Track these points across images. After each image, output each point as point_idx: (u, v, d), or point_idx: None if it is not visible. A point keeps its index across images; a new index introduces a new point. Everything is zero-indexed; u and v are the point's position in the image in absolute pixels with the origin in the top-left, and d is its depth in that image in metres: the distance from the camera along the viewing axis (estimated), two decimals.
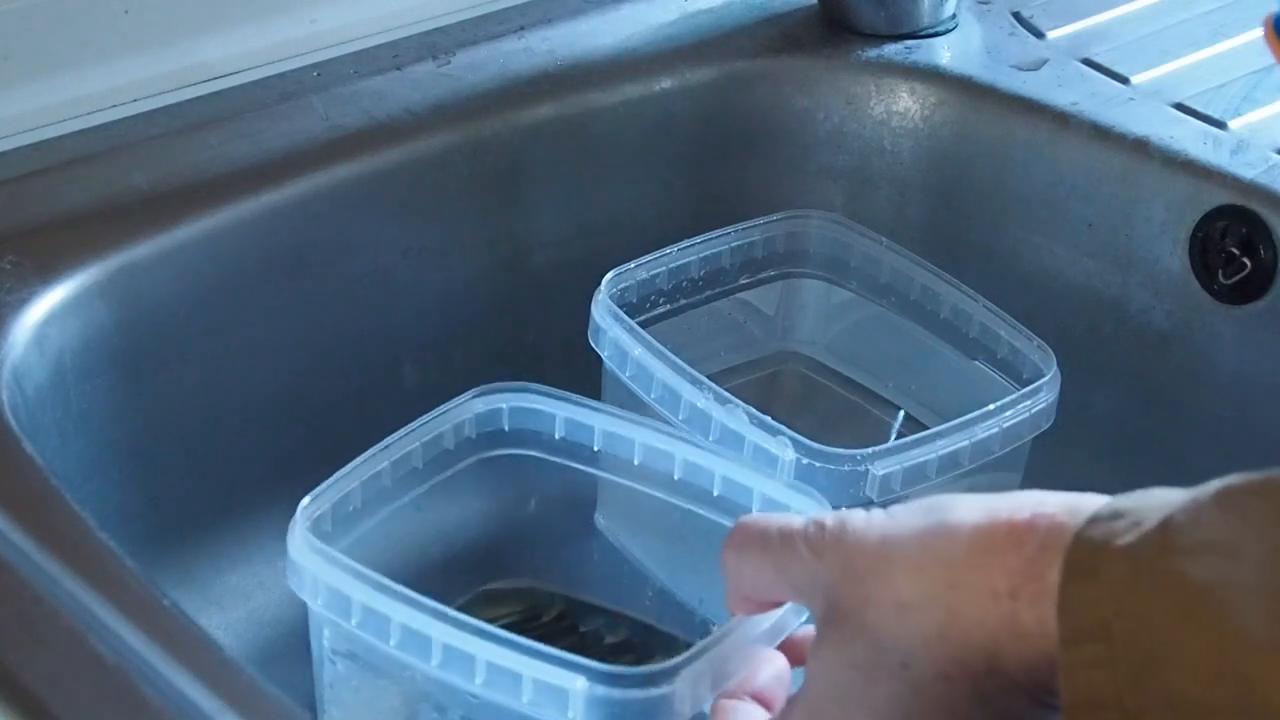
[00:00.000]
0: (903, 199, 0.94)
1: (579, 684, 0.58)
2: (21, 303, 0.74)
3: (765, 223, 0.86)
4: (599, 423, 0.73)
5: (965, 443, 0.76)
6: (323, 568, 0.63)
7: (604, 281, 0.80)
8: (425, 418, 0.71)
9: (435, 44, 0.92)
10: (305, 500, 0.66)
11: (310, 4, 0.90)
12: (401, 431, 0.71)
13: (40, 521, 0.63)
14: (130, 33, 0.85)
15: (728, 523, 0.64)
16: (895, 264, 0.85)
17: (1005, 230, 0.91)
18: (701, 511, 0.72)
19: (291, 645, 0.82)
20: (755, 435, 0.74)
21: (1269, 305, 0.83)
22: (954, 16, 0.96)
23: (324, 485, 0.68)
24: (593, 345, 0.79)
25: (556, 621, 0.78)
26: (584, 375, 0.80)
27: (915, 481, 0.76)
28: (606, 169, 0.91)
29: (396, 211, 0.85)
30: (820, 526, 0.54)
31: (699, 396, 0.75)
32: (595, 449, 0.73)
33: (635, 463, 0.72)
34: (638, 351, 0.77)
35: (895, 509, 0.53)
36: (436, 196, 0.86)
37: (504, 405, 0.73)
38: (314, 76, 0.89)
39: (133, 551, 0.64)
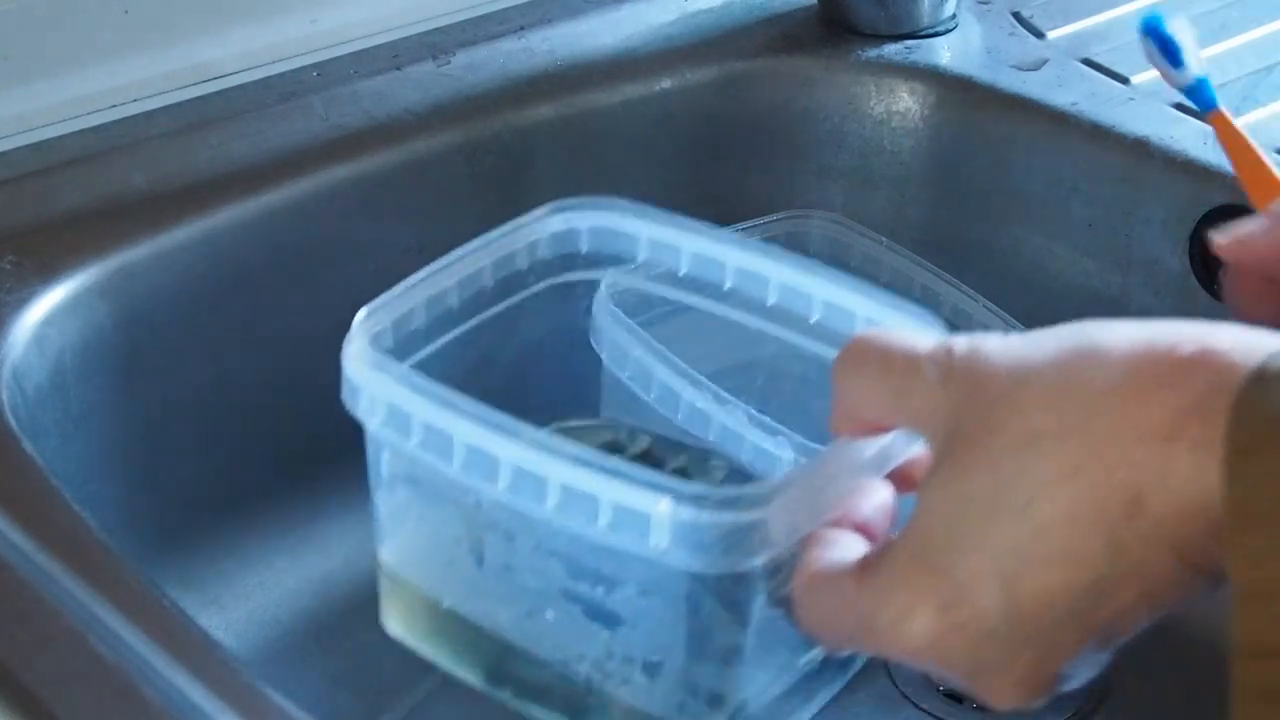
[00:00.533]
0: (903, 199, 0.94)
1: (663, 506, 0.52)
2: (21, 303, 0.74)
3: (765, 223, 0.86)
4: (687, 244, 0.66)
5: None
6: (382, 382, 0.58)
7: (603, 282, 0.80)
8: (495, 233, 0.66)
9: (435, 44, 0.92)
10: (362, 313, 0.61)
11: (310, 4, 0.90)
12: (469, 246, 0.65)
13: (40, 521, 0.63)
14: (130, 33, 0.85)
15: (827, 351, 0.59)
16: (895, 264, 0.85)
17: (1005, 230, 0.91)
18: (799, 340, 0.68)
19: (292, 645, 0.82)
20: (754, 436, 0.74)
21: None
22: (954, 16, 0.96)
23: (383, 298, 0.63)
24: (593, 345, 0.79)
25: (639, 460, 0.68)
26: (585, 375, 0.80)
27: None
28: (606, 169, 0.91)
29: (396, 211, 0.85)
30: (949, 350, 0.49)
31: (698, 397, 0.75)
32: (681, 273, 0.67)
33: (726, 287, 0.67)
34: (637, 352, 0.77)
35: (1036, 334, 0.49)
36: (436, 196, 0.86)
37: (583, 226, 0.67)
38: (314, 76, 0.89)
39: (133, 551, 0.64)
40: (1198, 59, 0.74)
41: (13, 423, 0.68)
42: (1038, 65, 0.92)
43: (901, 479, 0.55)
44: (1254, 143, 0.73)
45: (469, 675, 0.61)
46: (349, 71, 0.89)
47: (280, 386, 0.84)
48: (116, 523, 0.70)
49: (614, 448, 0.68)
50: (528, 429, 0.55)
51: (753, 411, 0.74)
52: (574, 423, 0.71)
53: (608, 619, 0.57)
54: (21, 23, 0.82)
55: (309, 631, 0.82)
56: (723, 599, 0.55)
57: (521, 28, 0.93)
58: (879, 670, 0.85)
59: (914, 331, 0.53)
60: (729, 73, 0.92)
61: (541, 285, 0.68)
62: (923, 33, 0.95)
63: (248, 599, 0.83)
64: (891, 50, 0.94)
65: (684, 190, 0.93)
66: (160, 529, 0.80)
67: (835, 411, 0.53)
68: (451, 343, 0.65)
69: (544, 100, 0.89)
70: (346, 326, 0.87)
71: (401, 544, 0.62)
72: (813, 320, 0.65)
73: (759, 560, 0.53)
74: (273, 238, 0.82)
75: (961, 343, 0.49)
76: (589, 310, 0.71)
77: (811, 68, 0.93)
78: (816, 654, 0.61)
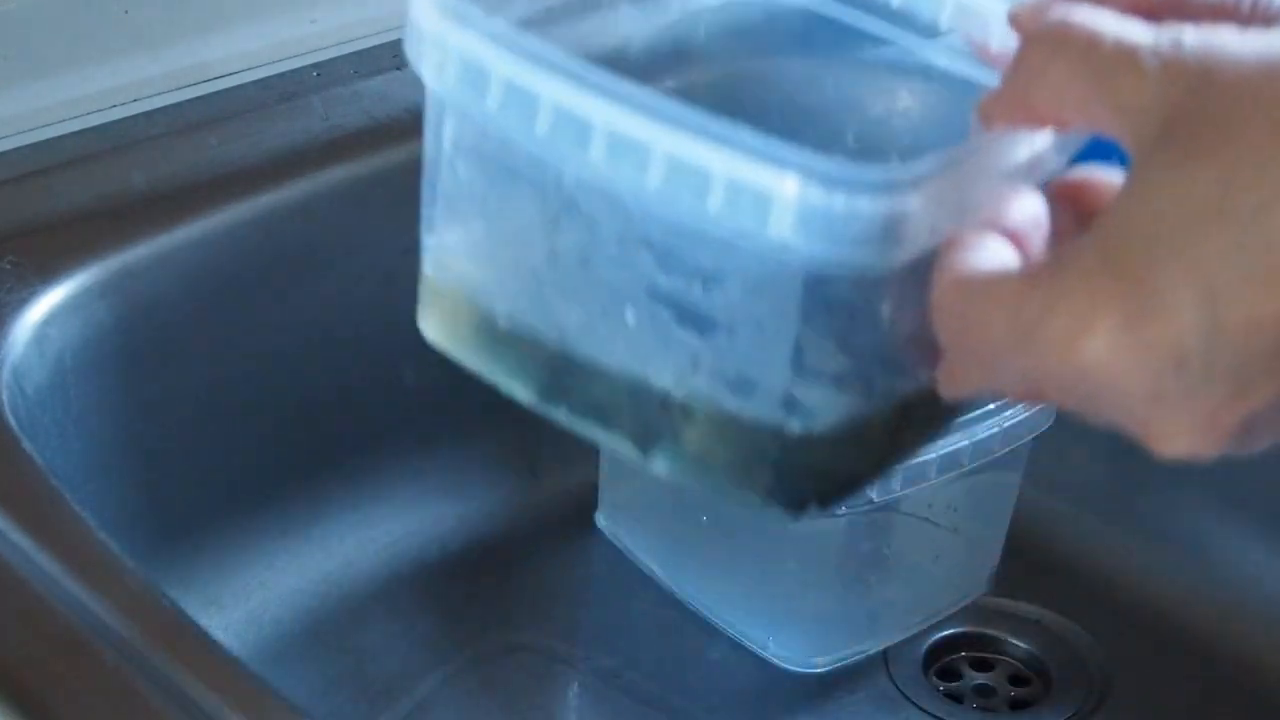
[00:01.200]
0: None
1: (789, 186, 0.44)
2: (21, 303, 0.74)
3: None
4: None
5: (965, 443, 0.76)
6: (456, 31, 0.49)
7: None
8: None
9: None
10: None
11: (310, 4, 0.90)
12: None
13: (40, 521, 0.64)
14: (130, 33, 0.85)
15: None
16: None
17: None
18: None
19: (292, 645, 0.82)
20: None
21: None
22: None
23: None
24: None
25: None
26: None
27: (915, 481, 0.77)
28: None
29: (396, 211, 0.85)
30: (1177, 40, 0.42)
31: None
32: None
33: None
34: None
35: None
36: None
37: None
38: (314, 76, 0.89)
39: (133, 551, 0.64)
40: None
41: (13, 422, 0.68)
42: None
43: (1070, 195, 0.48)
44: None
45: (519, 390, 0.53)
46: (349, 71, 0.89)
47: (280, 386, 0.84)
48: (116, 522, 0.71)
49: None
50: (631, 88, 0.46)
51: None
52: None
53: (700, 323, 0.48)
54: (21, 22, 0.82)
55: (309, 631, 0.82)
56: (843, 305, 0.47)
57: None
58: (879, 670, 0.85)
59: (1125, 22, 0.44)
60: (728, 74, 0.92)
61: None
62: (920, 34, 0.94)
63: (248, 598, 0.83)
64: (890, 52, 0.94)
65: None
66: (160, 528, 0.80)
67: (1004, 93, 0.46)
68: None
69: None
70: (347, 326, 0.87)
71: (455, 234, 0.55)
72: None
73: (897, 257, 0.45)
74: (273, 238, 0.82)
75: (1193, 31, 0.42)
76: None
77: None
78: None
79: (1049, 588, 0.89)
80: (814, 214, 0.44)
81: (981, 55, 0.54)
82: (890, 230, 0.44)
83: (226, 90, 0.87)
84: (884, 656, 0.85)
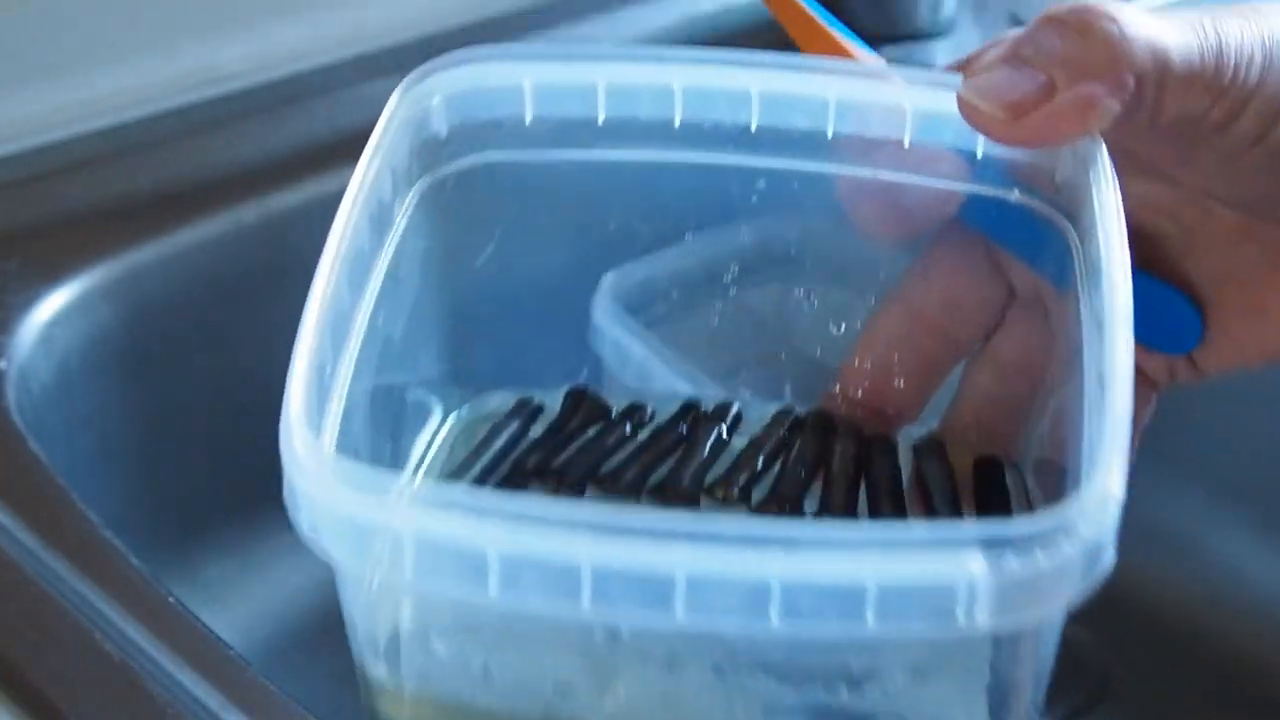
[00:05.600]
0: None
1: (976, 566, 0.37)
2: (28, 304, 0.74)
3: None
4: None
5: None
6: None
7: (603, 283, 0.80)
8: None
9: (437, 47, 0.92)
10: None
11: (314, 8, 0.90)
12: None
13: (46, 520, 0.64)
14: (135, 36, 0.85)
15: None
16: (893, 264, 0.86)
17: None
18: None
19: (296, 643, 0.82)
20: None
21: None
22: (951, 19, 0.96)
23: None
24: (593, 347, 0.79)
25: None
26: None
27: None
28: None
29: None
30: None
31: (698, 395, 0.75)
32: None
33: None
34: (638, 353, 0.78)
35: None
36: None
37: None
38: (318, 80, 0.89)
39: (138, 550, 0.64)
40: None
41: (19, 422, 0.69)
42: None
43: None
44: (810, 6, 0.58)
45: None
46: (353, 75, 0.90)
47: (284, 387, 0.84)
48: (122, 521, 0.71)
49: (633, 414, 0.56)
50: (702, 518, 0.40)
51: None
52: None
53: None
54: (26, 25, 0.82)
55: (313, 629, 0.83)
56: (1025, 649, 0.44)
57: (523, 31, 0.94)
58: None
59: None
60: None
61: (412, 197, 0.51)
62: (920, 35, 0.95)
63: (252, 597, 0.84)
64: (889, 53, 0.94)
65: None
66: (165, 527, 0.81)
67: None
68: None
69: None
70: None
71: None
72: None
73: (1094, 584, 0.40)
74: (278, 240, 0.82)
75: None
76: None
77: None
78: None
79: None
80: (1006, 583, 0.37)
81: (855, 150, 0.52)
82: (1091, 565, 0.40)
83: (231, 93, 0.88)
84: None
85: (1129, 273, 0.44)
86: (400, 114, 0.49)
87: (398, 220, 0.48)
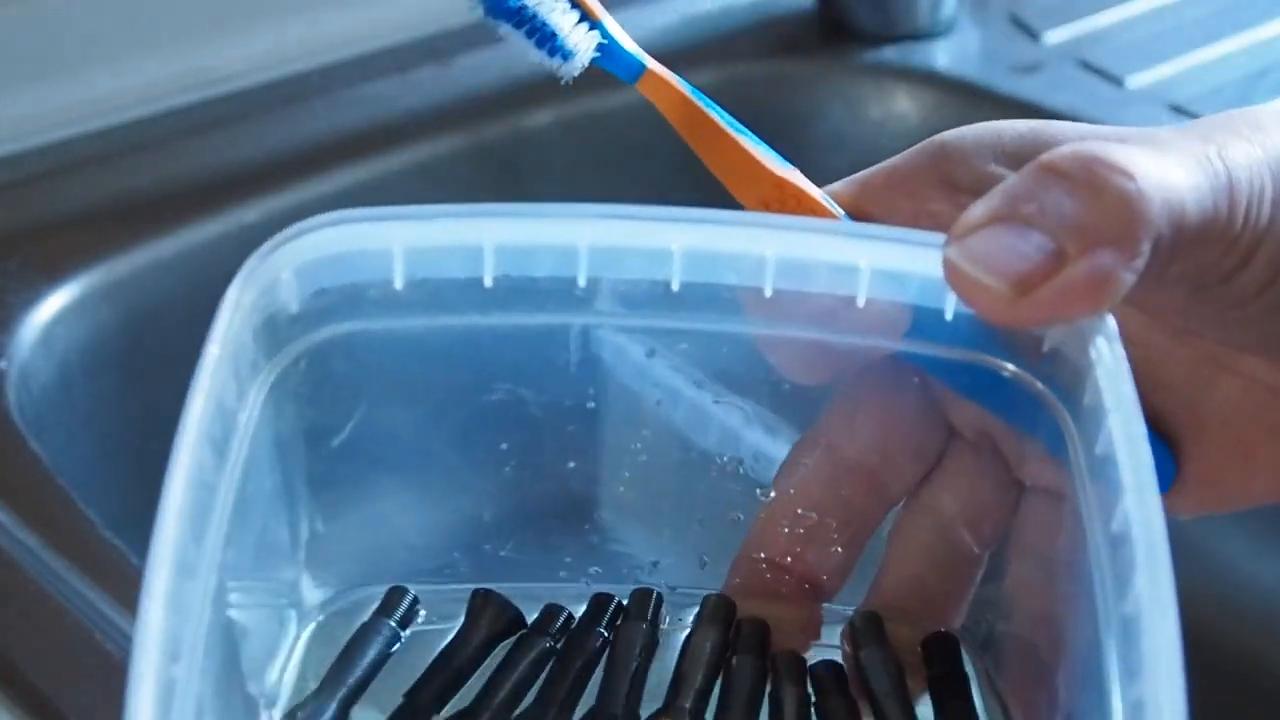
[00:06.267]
0: None
1: None
2: (29, 304, 0.74)
3: None
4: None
5: None
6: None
7: (602, 285, 0.80)
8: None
9: (438, 47, 0.92)
10: None
11: (314, 7, 0.90)
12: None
13: (46, 519, 0.64)
14: (136, 36, 0.85)
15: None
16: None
17: None
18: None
19: None
20: (754, 435, 0.74)
21: None
22: (951, 19, 0.96)
23: None
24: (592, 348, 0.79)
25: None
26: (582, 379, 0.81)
27: None
28: (608, 172, 0.91)
29: None
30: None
31: (699, 395, 0.75)
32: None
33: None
34: (636, 354, 0.77)
35: None
36: (439, 199, 0.86)
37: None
38: (318, 80, 0.89)
39: (138, 550, 0.64)
40: (578, 27, 0.49)
41: (20, 421, 0.69)
42: (1034, 68, 0.93)
43: None
44: (716, 113, 0.51)
45: None
46: (352, 75, 0.90)
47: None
48: (121, 520, 0.71)
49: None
50: None
51: (749, 410, 0.74)
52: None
53: None
54: (29, 26, 0.82)
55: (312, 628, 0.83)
56: None
57: None
58: None
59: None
60: (728, 76, 0.93)
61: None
62: (920, 35, 0.95)
63: None
64: (889, 53, 0.94)
65: (684, 194, 0.93)
66: None
67: None
68: None
69: (546, 104, 0.89)
70: None
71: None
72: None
73: None
74: None
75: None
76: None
77: (810, 70, 0.94)
78: None
79: None
80: None
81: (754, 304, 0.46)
82: None
83: (231, 94, 0.88)
84: None
85: (1156, 489, 0.39)
86: (242, 299, 0.43)
87: (243, 425, 0.44)
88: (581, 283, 0.45)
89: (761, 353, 0.47)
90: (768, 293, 0.44)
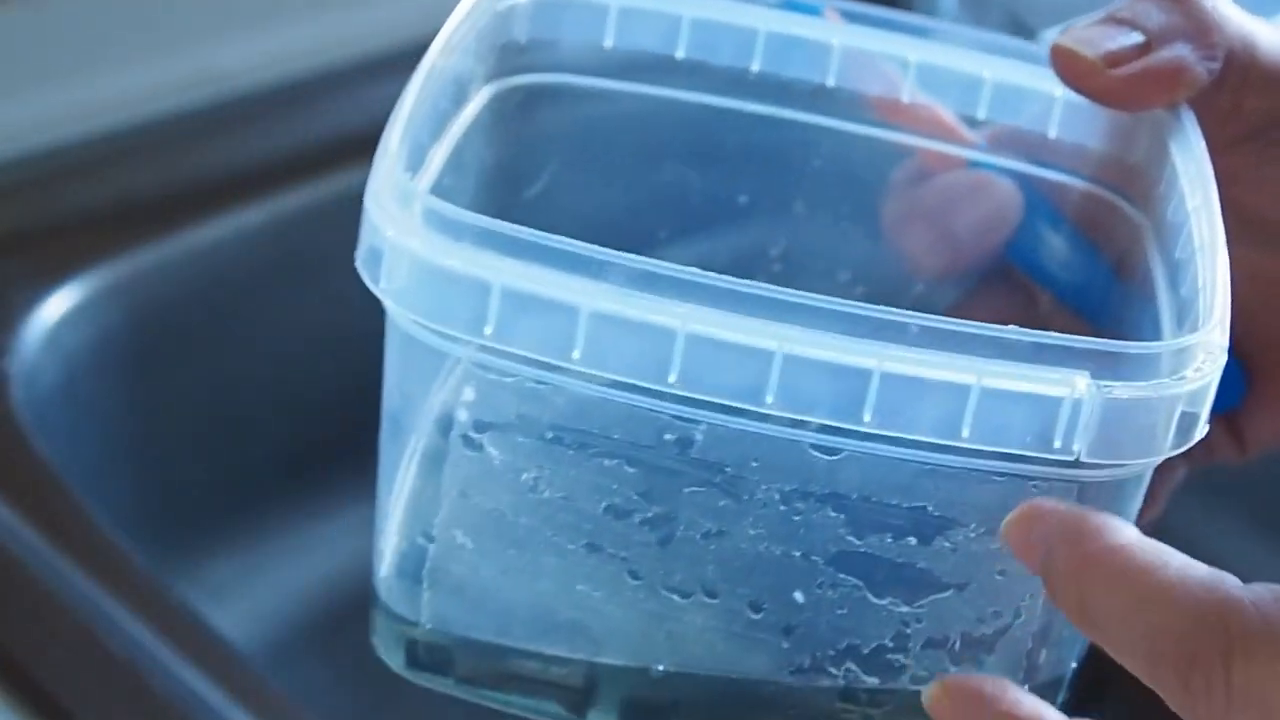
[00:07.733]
0: None
1: (1080, 384, 0.35)
2: (34, 304, 0.75)
3: None
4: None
5: None
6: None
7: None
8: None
9: None
10: None
11: (318, 8, 0.90)
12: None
13: (51, 518, 0.64)
14: (140, 37, 0.85)
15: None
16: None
17: None
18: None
19: (297, 641, 0.82)
20: None
21: None
22: (950, 18, 0.96)
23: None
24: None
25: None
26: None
27: None
28: (609, 172, 0.91)
29: None
30: None
31: None
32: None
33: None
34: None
35: None
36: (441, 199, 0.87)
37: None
38: (324, 81, 0.89)
39: (142, 549, 0.65)
40: None
41: (25, 421, 0.69)
42: None
43: None
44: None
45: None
46: (359, 76, 0.90)
47: (289, 387, 0.84)
48: (126, 520, 0.71)
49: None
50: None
51: None
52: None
53: (912, 586, 0.39)
54: (32, 27, 0.82)
55: (314, 628, 0.83)
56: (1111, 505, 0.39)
57: None
58: None
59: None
60: None
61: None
62: None
63: (253, 596, 0.84)
64: None
65: (683, 193, 0.93)
66: (169, 526, 0.81)
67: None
68: None
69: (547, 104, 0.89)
70: (355, 328, 0.87)
71: (454, 558, 0.43)
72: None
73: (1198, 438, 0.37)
74: (282, 241, 0.82)
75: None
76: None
77: None
78: None
79: None
80: (1111, 411, 0.36)
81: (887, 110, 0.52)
82: (1189, 423, 0.38)
83: (237, 94, 0.88)
84: None
85: (1225, 253, 0.41)
86: (475, 18, 0.46)
87: (466, 109, 0.46)
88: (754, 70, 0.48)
89: (892, 238, 0.53)
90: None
